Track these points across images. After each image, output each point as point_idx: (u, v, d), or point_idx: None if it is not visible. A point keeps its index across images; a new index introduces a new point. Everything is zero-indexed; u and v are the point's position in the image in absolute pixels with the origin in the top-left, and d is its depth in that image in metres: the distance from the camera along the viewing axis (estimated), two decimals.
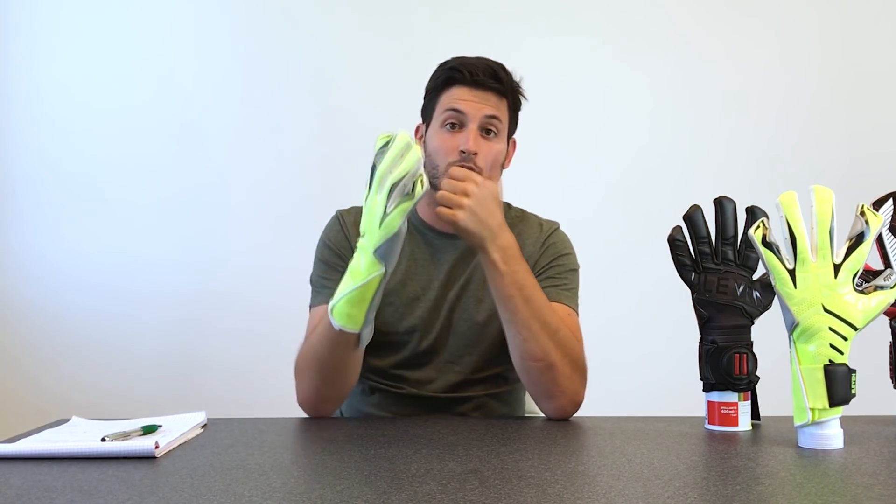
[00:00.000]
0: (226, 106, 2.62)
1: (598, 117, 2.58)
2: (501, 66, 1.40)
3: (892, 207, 1.19)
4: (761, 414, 1.22)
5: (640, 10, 2.57)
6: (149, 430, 1.12)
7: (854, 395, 1.03)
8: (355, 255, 1.17)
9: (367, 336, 1.24)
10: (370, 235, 1.14)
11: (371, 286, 1.16)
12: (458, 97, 1.37)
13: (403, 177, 1.12)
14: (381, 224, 1.13)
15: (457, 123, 1.37)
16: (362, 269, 1.15)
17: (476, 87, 1.37)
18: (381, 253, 1.14)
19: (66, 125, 2.65)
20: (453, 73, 1.38)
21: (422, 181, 1.14)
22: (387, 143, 1.14)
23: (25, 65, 2.66)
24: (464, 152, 1.33)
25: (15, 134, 2.65)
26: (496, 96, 1.38)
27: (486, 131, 1.37)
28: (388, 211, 1.12)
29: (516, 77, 1.43)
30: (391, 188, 1.12)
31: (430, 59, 1.46)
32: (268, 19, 2.63)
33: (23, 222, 2.65)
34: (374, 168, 1.14)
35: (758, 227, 1.07)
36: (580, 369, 1.29)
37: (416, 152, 1.13)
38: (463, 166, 1.32)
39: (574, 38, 2.57)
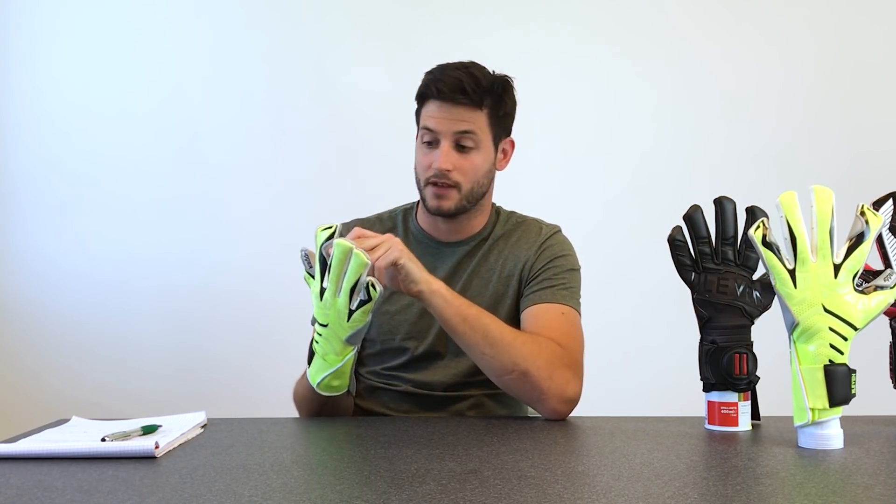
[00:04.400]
0: (226, 106, 2.62)
1: (600, 119, 2.57)
2: (473, 77, 1.37)
3: (892, 207, 1.19)
4: (761, 414, 1.22)
5: (641, 12, 2.56)
6: (149, 430, 1.12)
7: (854, 396, 1.03)
8: (321, 340, 1.22)
9: (353, 387, 1.33)
10: (337, 329, 1.19)
11: (347, 363, 1.22)
12: (430, 114, 1.38)
13: (357, 281, 1.17)
14: (349, 319, 1.18)
15: (432, 140, 1.38)
16: (336, 355, 1.21)
17: (445, 101, 1.37)
18: (350, 338, 1.20)
19: (67, 125, 2.65)
20: (426, 89, 1.39)
21: (373, 284, 1.19)
22: (331, 236, 1.19)
23: (26, 65, 2.66)
24: (436, 170, 1.37)
25: (17, 134, 2.65)
26: (468, 109, 1.37)
27: (460, 145, 1.37)
28: (353, 308, 1.18)
29: (508, 77, 1.42)
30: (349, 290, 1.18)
31: (432, 63, 1.46)
32: (272, 19, 2.62)
33: (25, 220, 2.65)
34: (322, 259, 1.19)
35: (758, 227, 1.07)
36: (564, 366, 1.27)
37: (360, 258, 1.16)
38: (438, 182, 1.37)
39: (576, 41, 2.57)
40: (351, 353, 1.23)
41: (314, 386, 1.24)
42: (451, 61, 1.41)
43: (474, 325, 1.25)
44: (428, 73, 1.41)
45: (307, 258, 1.22)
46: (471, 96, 1.36)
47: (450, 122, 1.36)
